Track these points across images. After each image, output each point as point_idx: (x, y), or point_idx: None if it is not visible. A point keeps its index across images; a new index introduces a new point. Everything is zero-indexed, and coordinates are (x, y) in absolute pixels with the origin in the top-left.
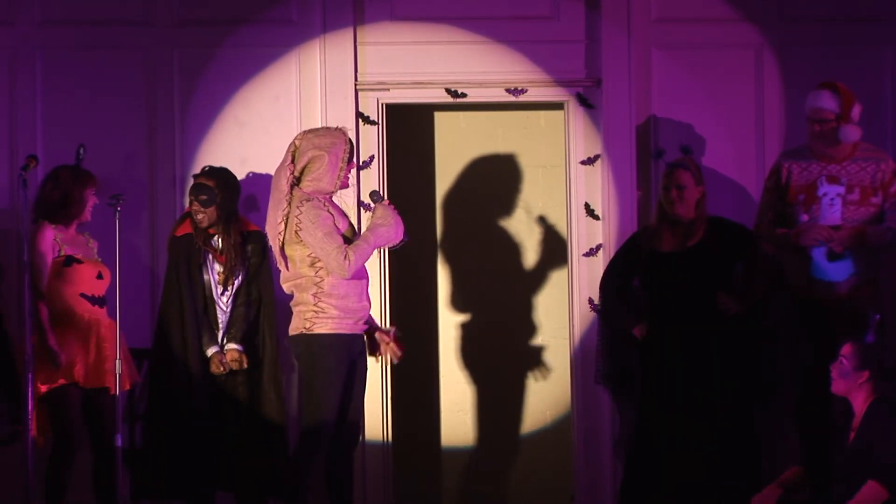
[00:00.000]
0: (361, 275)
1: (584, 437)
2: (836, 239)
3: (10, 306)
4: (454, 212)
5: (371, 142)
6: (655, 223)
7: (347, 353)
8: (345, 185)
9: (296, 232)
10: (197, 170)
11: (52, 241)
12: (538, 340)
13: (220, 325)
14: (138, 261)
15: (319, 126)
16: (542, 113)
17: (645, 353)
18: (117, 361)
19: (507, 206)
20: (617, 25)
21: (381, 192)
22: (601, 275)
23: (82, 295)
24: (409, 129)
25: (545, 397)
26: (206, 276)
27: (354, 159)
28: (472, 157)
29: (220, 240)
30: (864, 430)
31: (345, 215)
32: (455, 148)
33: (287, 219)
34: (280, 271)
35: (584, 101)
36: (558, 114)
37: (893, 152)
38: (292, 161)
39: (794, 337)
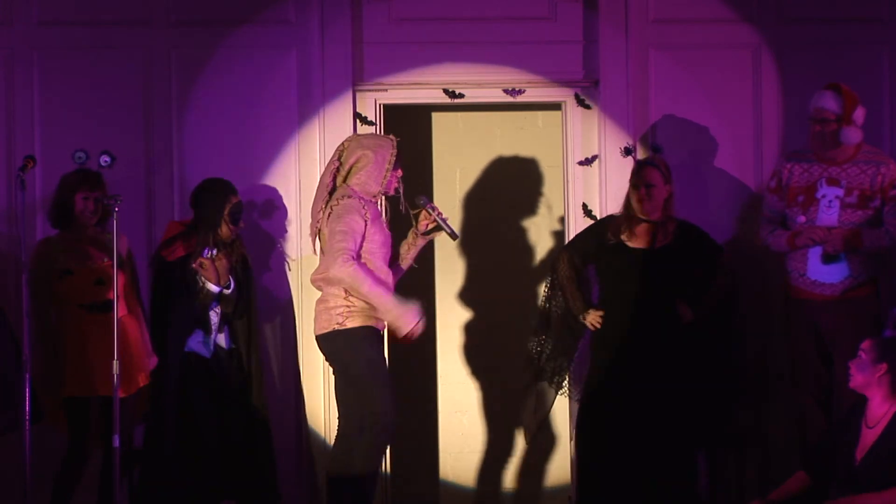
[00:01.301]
0: (386, 282)
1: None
2: (830, 240)
3: (10, 302)
4: (452, 212)
5: None
6: (622, 218)
7: (382, 345)
8: (389, 190)
9: (327, 219)
10: (195, 172)
11: (46, 253)
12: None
13: (213, 329)
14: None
15: (370, 133)
16: (539, 113)
17: (592, 343)
18: (114, 362)
19: (505, 206)
20: (615, 26)
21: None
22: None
23: (80, 306)
24: (407, 130)
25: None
26: (202, 290)
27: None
28: (470, 157)
29: (212, 252)
30: (891, 437)
31: (384, 229)
32: (453, 148)
33: (325, 209)
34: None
35: (582, 102)
36: (556, 114)
37: (891, 153)
38: (339, 158)
39: (792, 338)
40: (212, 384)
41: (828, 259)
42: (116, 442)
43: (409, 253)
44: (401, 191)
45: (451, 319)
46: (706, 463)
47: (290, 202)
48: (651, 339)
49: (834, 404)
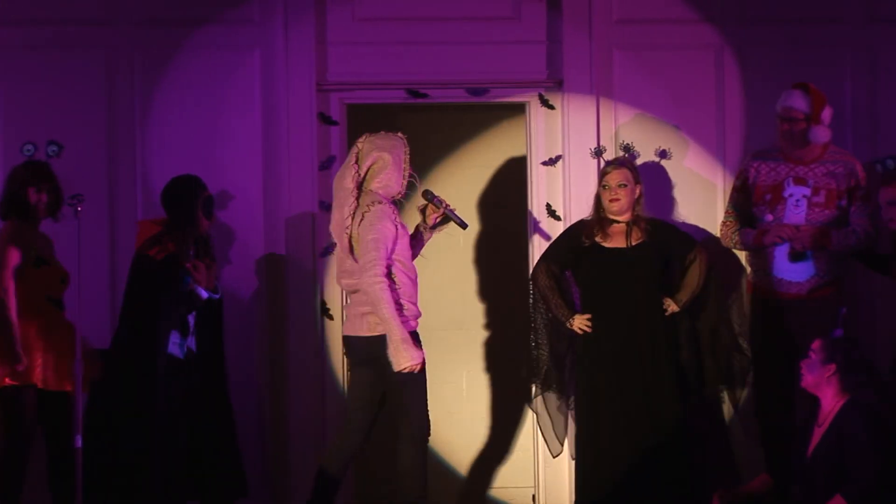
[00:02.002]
0: (416, 279)
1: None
2: (798, 237)
3: None
4: (413, 213)
5: (332, 143)
6: (593, 219)
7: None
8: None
9: (358, 225)
10: (159, 171)
11: (27, 236)
12: (501, 339)
13: (190, 331)
14: (96, 261)
15: (381, 133)
16: (503, 114)
17: (582, 347)
18: (76, 362)
19: (469, 206)
20: (578, 26)
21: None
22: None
23: (48, 298)
24: (371, 130)
25: (504, 395)
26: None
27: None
28: (434, 157)
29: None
30: (835, 433)
31: (406, 230)
32: (417, 149)
33: (355, 214)
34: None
35: (546, 102)
36: (520, 114)
37: (853, 153)
38: (356, 162)
39: (755, 336)
40: (184, 385)
41: (795, 257)
42: (78, 442)
43: (415, 247)
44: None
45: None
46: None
47: (255, 201)
48: (638, 334)
49: (797, 403)
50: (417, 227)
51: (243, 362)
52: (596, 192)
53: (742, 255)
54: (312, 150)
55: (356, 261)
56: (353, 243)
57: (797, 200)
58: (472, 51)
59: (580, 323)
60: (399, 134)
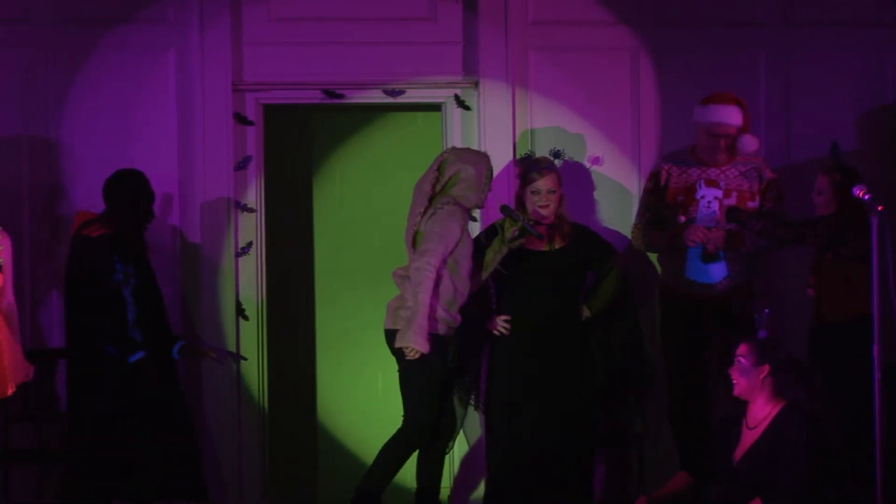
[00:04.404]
0: (463, 289)
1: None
2: (712, 238)
3: None
4: (332, 214)
5: (249, 143)
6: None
7: (445, 354)
8: (482, 204)
9: (426, 221)
10: (74, 170)
11: None
12: None
13: (129, 324)
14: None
15: (468, 147)
16: (419, 114)
17: (496, 348)
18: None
19: (385, 208)
20: (494, 27)
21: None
22: None
23: None
24: (288, 131)
25: None
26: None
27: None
28: (351, 159)
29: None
30: (772, 436)
31: (471, 241)
32: (333, 150)
33: (425, 212)
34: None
35: (462, 103)
36: (436, 115)
37: (767, 155)
38: (437, 169)
39: (668, 338)
40: (132, 384)
41: (707, 258)
42: None
43: (493, 260)
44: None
45: (330, 321)
46: (603, 464)
47: (170, 201)
48: (554, 339)
49: (711, 404)
50: (495, 241)
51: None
52: (517, 194)
53: (656, 261)
54: (228, 150)
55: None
56: (417, 238)
57: (709, 202)
58: (388, 51)
59: (498, 324)
60: (485, 151)
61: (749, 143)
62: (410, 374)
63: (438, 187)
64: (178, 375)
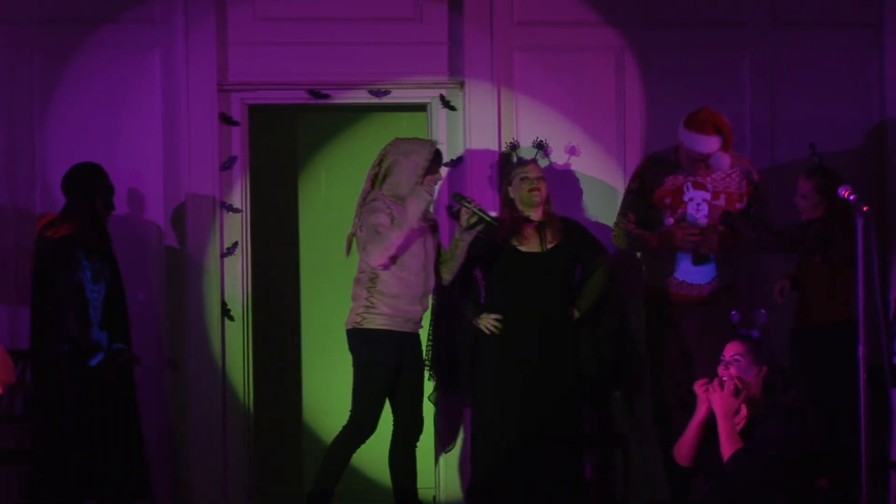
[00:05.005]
0: (414, 282)
1: (442, 436)
2: (706, 241)
3: None
4: (317, 214)
5: (234, 143)
6: (507, 220)
7: (396, 350)
8: (428, 195)
9: (360, 224)
10: (58, 170)
11: None
12: None
13: (93, 322)
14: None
15: (410, 138)
16: (405, 115)
17: (486, 346)
18: None
19: None
20: (479, 28)
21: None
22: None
23: None
24: (273, 130)
25: None
26: (83, 274)
27: (440, 170)
28: (336, 159)
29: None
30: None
31: (414, 233)
32: (319, 149)
33: (359, 213)
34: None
35: (447, 103)
36: (422, 115)
37: (752, 156)
38: (379, 163)
39: (652, 338)
40: (91, 382)
41: (699, 260)
42: None
43: (456, 249)
44: (435, 194)
45: (316, 320)
46: (593, 463)
47: (155, 200)
48: (544, 339)
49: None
50: (456, 230)
51: (144, 361)
52: (505, 194)
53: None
54: (214, 150)
55: (346, 256)
56: (357, 242)
57: (698, 204)
58: (373, 51)
59: (488, 322)
60: (430, 139)
61: (721, 161)
62: (356, 368)
63: (377, 183)
64: (134, 374)
